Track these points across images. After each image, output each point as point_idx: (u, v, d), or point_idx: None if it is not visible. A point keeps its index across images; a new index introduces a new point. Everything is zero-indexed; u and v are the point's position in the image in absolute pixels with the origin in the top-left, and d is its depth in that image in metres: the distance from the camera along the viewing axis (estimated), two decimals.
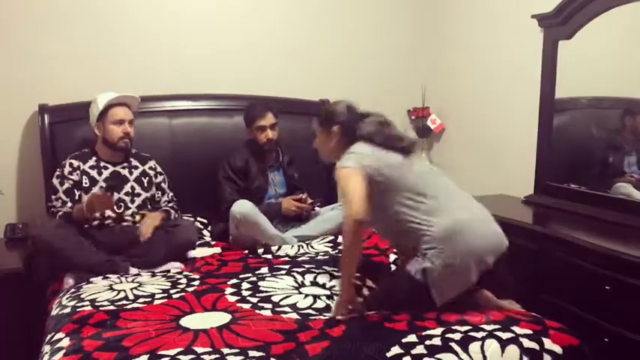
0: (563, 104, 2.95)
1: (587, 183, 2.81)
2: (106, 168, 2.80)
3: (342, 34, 3.69)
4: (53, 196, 2.75)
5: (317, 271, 2.53)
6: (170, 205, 2.94)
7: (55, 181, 2.76)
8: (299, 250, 2.89)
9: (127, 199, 2.80)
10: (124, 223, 2.72)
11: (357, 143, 2.19)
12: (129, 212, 2.76)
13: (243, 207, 2.87)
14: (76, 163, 2.77)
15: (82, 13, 3.14)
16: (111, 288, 2.37)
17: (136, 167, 2.88)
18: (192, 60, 3.37)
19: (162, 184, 2.96)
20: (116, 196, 2.76)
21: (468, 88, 3.66)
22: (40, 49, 3.08)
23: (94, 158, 2.81)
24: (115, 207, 2.67)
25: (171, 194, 2.98)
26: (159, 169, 2.97)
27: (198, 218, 3.16)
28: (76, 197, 2.73)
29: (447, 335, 1.83)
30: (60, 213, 2.68)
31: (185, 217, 3.08)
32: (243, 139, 3.17)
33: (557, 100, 2.94)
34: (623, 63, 2.71)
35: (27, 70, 3.06)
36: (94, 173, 2.77)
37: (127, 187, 2.81)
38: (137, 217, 2.74)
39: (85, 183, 2.74)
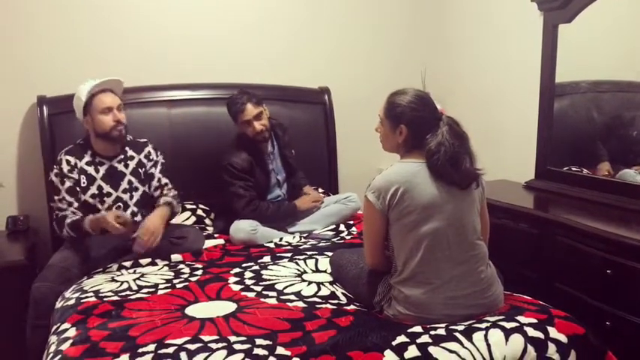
0: (564, 88, 2.95)
1: (588, 167, 2.82)
2: (102, 164, 2.66)
3: (341, 21, 3.66)
4: (56, 197, 2.61)
5: (318, 257, 2.54)
6: (164, 192, 2.76)
7: (56, 180, 2.62)
8: (301, 239, 2.90)
9: (126, 196, 2.69)
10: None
11: (411, 157, 2.00)
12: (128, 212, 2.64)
13: (239, 233, 2.81)
14: (72, 160, 2.63)
15: (80, 4, 3.12)
16: (113, 279, 2.37)
17: (132, 158, 2.74)
18: (190, 49, 3.34)
19: (152, 169, 2.78)
20: (114, 194, 2.66)
21: (468, 73, 3.65)
22: (38, 41, 3.05)
23: (90, 152, 2.66)
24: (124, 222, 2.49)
25: (164, 180, 2.79)
26: (153, 156, 2.80)
27: (200, 206, 3.16)
28: (79, 196, 2.62)
29: (451, 326, 1.84)
30: (68, 220, 2.54)
31: (188, 206, 3.09)
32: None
33: (557, 84, 2.93)
34: (623, 46, 2.70)
35: (25, 61, 3.04)
36: (91, 170, 2.64)
37: (125, 184, 2.69)
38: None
39: (83, 182, 2.62)
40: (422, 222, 1.91)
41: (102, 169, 2.67)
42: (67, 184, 2.60)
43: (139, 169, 2.75)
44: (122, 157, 2.72)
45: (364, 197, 1.99)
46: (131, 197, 2.71)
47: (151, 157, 2.80)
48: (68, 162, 2.62)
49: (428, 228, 1.91)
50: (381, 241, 2.02)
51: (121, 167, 2.70)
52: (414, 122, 1.98)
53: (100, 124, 2.61)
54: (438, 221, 1.91)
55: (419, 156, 1.98)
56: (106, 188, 2.66)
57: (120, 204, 2.68)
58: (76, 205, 2.60)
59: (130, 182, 2.71)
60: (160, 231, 2.55)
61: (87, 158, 2.66)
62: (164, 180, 2.81)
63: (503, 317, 1.88)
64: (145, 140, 2.84)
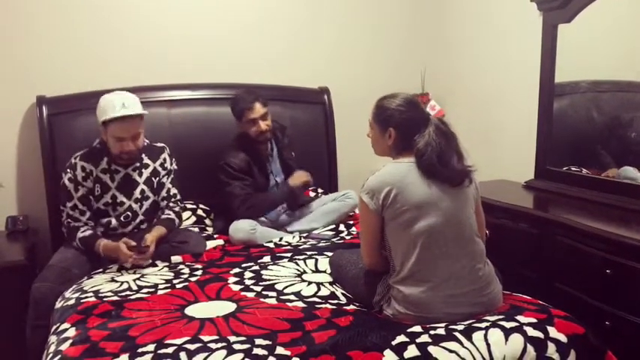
0: (563, 88, 2.95)
1: (588, 167, 2.82)
2: (117, 172, 2.62)
3: (341, 21, 3.66)
4: (68, 203, 2.57)
5: (318, 257, 2.54)
6: (170, 204, 2.75)
7: (69, 185, 2.56)
8: (300, 239, 2.89)
9: (136, 205, 2.66)
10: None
11: (401, 159, 2.02)
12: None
13: (239, 233, 2.80)
14: (88, 167, 2.57)
15: (80, 4, 3.12)
16: (113, 280, 2.37)
17: (147, 166, 2.69)
18: (190, 49, 3.34)
19: (164, 179, 2.75)
20: (127, 204, 2.64)
21: (468, 73, 3.65)
22: (38, 41, 3.05)
23: (106, 159, 2.61)
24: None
25: (173, 190, 2.76)
26: (168, 164, 2.76)
27: (201, 206, 3.16)
28: (91, 204, 2.60)
29: (450, 326, 1.84)
30: (80, 235, 2.54)
31: (188, 206, 3.08)
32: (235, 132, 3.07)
33: (556, 84, 2.93)
34: (623, 46, 2.70)
35: (25, 61, 3.04)
36: (106, 178, 2.60)
37: (137, 193, 2.66)
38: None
39: (97, 191, 2.59)
40: (416, 220, 1.92)
41: (117, 178, 2.63)
42: (81, 192, 2.57)
43: (153, 178, 2.72)
44: (138, 164, 2.68)
45: (359, 198, 2.01)
46: (141, 207, 2.69)
47: (165, 166, 2.76)
48: (83, 168, 2.57)
49: (423, 225, 1.92)
50: (377, 241, 2.03)
51: (135, 175, 2.66)
52: (402, 125, 2.02)
53: (110, 145, 2.57)
54: (433, 218, 1.92)
55: (409, 156, 2.00)
56: (120, 197, 2.63)
57: (129, 213, 2.66)
58: (88, 214, 2.59)
59: (142, 191, 2.68)
60: (151, 252, 2.53)
61: (103, 165, 2.61)
62: (173, 190, 2.78)
63: (502, 317, 1.88)
64: (162, 145, 2.80)
